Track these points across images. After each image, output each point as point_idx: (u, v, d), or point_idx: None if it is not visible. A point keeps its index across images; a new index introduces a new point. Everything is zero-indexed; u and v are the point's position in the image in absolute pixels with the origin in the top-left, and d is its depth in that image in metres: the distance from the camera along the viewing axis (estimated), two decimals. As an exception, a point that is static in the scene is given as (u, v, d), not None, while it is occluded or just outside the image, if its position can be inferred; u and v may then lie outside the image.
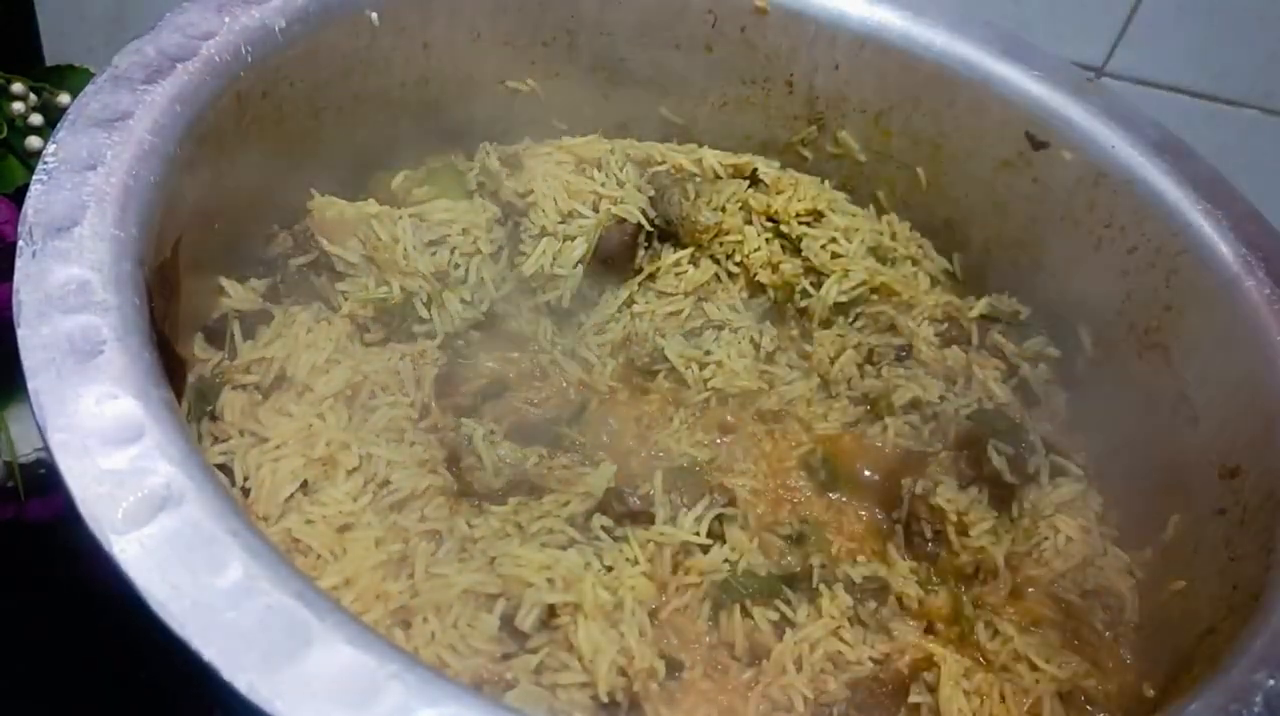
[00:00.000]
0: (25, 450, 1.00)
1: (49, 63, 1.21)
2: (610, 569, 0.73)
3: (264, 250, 0.87)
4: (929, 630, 0.78)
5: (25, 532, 0.99)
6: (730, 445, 0.84)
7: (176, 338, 0.73)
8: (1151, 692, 0.77)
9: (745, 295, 0.95)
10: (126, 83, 0.72)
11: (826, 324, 0.96)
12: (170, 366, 0.63)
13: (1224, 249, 0.88)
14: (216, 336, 0.83)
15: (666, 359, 0.89)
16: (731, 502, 0.80)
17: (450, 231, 0.91)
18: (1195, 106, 1.25)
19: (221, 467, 0.75)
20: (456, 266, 0.89)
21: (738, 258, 0.96)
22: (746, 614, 0.74)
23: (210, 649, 0.48)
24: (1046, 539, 0.85)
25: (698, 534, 0.77)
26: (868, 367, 0.94)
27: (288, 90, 0.86)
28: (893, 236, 1.06)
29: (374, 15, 0.90)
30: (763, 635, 0.74)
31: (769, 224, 0.99)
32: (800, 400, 0.90)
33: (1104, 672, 0.80)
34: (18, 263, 0.60)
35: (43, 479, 0.99)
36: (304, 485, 0.74)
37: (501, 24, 1.00)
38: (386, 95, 0.96)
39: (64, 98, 1.11)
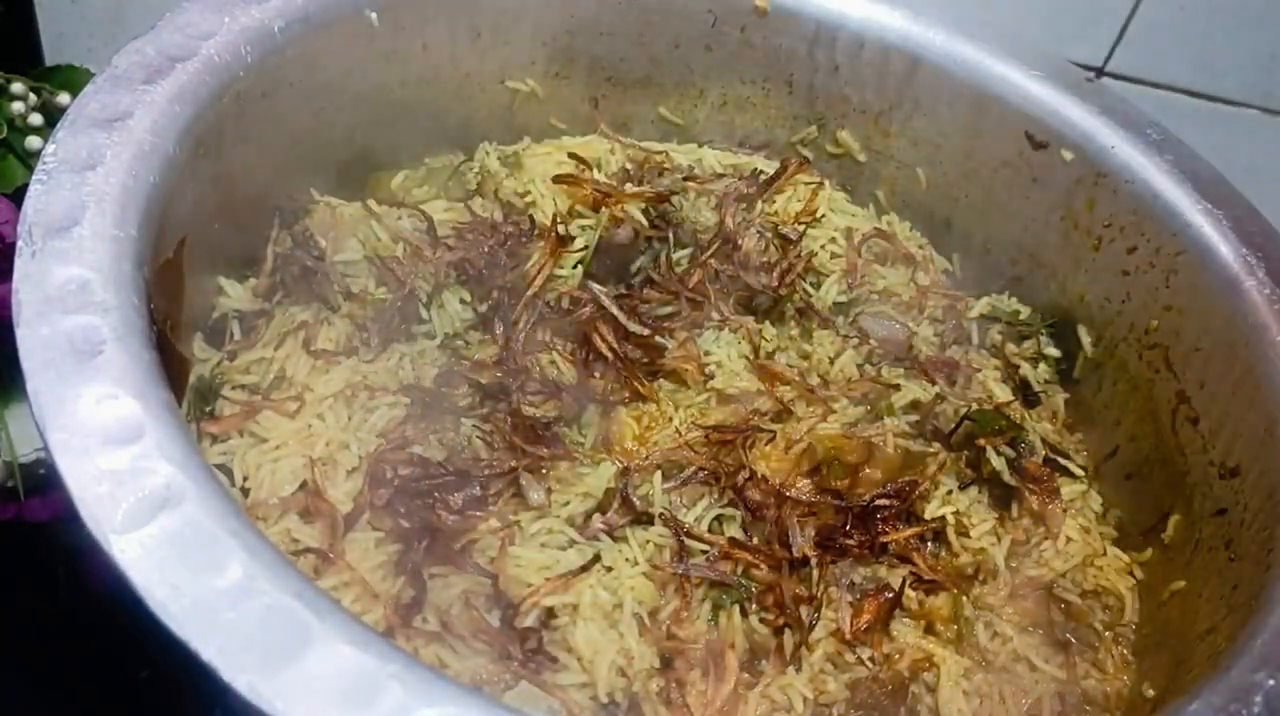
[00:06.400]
0: (25, 450, 1.00)
1: (49, 63, 1.21)
2: (610, 569, 0.73)
3: (264, 250, 0.87)
4: (929, 630, 0.78)
5: (25, 532, 0.99)
6: (730, 445, 0.84)
7: (177, 338, 0.73)
8: (1151, 692, 0.77)
9: (745, 295, 0.95)
10: (126, 83, 0.72)
11: (826, 324, 0.96)
12: (170, 366, 0.63)
13: (1224, 249, 0.88)
14: (216, 336, 0.83)
15: (666, 359, 0.89)
16: (732, 503, 0.80)
17: (450, 231, 0.91)
18: (1195, 106, 1.25)
19: (221, 468, 0.75)
20: (457, 266, 0.89)
21: (737, 258, 0.96)
22: (746, 614, 0.74)
23: (210, 649, 0.48)
24: (1046, 539, 0.85)
25: (698, 534, 0.77)
26: (868, 367, 0.94)
27: (288, 90, 0.86)
28: (893, 236, 1.06)
29: (374, 15, 0.90)
30: (762, 636, 0.74)
31: (769, 224, 0.99)
32: (800, 400, 0.90)
33: (1104, 672, 0.80)
34: (17, 263, 0.60)
35: (43, 479, 0.99)
36: (303, 485, 0.74)
37: (501, 24, 1.00)
38: (386, 95, 0.96)
39: (64, 98, 1.11)
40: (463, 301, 0.88)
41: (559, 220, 0.93)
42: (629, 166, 1.03)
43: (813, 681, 0.72)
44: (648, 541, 0.75)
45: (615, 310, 0.88)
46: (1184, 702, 0.62)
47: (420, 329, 0.87)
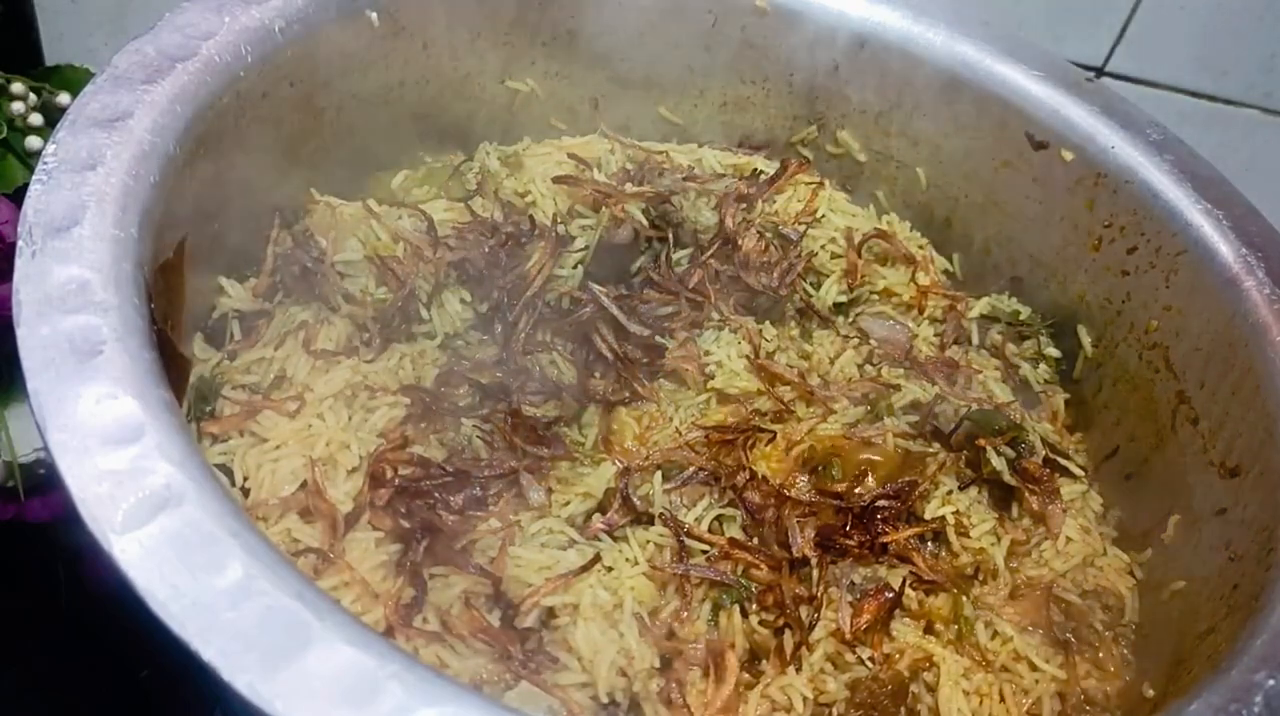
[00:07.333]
0: (25, 450, 1.00)
1: (49, 63, 1.21)
2: (610, 569, 0.73)
3: (264, 250, 0.87)
4: (929, 630, 0.78)
5: (25, 532, 0.99)
6: (730, 445, 0.84)
7: (177, 338, 0.73)
8: (1151, 692, 0.77)
9: (745, 295, 0.95)
10: (126, 83, 0.72)
11: (826, 324, 0.96)
12: (170, 366, 0.63)
13: (1224, 249, 0.88)
14: (216, 336, 0.83)
15: (666, 359, 0.89)
16: (732, 503, 0.80)
17: (450, 231, 0.91)
18: (1195, 106, 1.25)
19: (221, 468, 0.75)
20: (457, 266, 0.89)
21: (737, 258, 0.96)
22: (746, 614, 0.74)
23: (210, 649, 0.48)
24: (1046, 539, 0.85)
25: (698, 534, 0.77)
26: (868, 368, 0.94)
27: (288, 90, 0.86)
28: (893, 236, 1.06)
29: (374, 15, 0.91)
30: (762, 636, 0.74)
31: (769, 224, 0.99)
32: (800, 400, 0.90)
33: (1104, 672, 0.80)
34: (17, 263, 0.60)
35: (43, 479, 0.99)
36: (303, 485, 0.74)
37: (501, 24, 1.00)
38: (386, 95, 0.96)
39: (64, 98, 1.11)
40: (463, 301, 0.88)
41: (559, 220, 0.93)
42: (629, 166, 1.03)
43: (813, 681, 0.72)
44: (648, 541, 0.75)
45: (615, 310, 0.88)
46: (1184, 702, 0.62)
47: (420, 329, 0.87)
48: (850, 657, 0.74)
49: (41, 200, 0.64)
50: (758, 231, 0.98)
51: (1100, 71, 1.23)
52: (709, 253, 0.95)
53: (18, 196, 1.00)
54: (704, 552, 0.76)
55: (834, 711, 0.73)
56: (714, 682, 0.71)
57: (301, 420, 0.78)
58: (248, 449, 0.76)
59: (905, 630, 0.77)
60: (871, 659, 0.75)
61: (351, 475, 0.76)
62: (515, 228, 0.92)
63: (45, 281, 0.60)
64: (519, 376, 0.84)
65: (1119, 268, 0.96)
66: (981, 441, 0.87)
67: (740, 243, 0.96)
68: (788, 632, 0.73)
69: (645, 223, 0.95)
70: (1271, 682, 0.62)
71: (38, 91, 1.11)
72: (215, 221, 0.80)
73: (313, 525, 0.73)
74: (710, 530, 0.78)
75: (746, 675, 0.73)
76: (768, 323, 0.95)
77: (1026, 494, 0.86)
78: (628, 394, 0.87)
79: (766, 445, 0.85)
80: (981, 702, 0.75)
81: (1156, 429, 0.91)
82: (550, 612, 0.71)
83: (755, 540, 0.78)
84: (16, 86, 1.10)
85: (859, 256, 1.00)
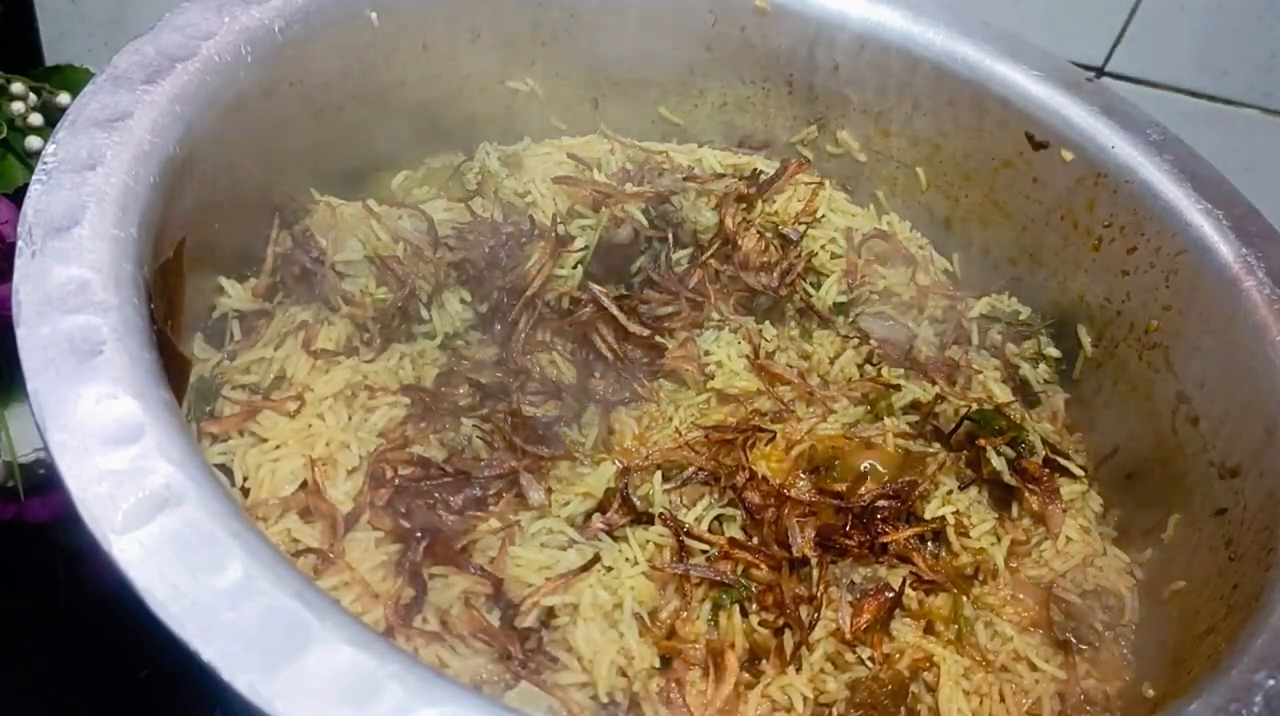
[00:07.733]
0: (25, 450, 1.00)
1: (49, 63, 1.21)
2: (610, 569, 0.73)
3: (264, 250, 0.87)
4: (929, 630, 0.78)
5: (25, 532, 0.99)
6: (730, 445, 0.84)
7: (177, 338, 0.73)
8: (1151, 692, 0.77)
9: (745, 295, 0.95)
10: (126, 83, 0.72)
11: (826, 324, 0.96)
12: (170, 366, 0.63)
13: (1224, 249, 0.88)
14: (216, 336, 0.83)
15: (666, 359, 0.89)
16: (732, 503, 0.80)
17: (450, 231, 0.91)
18: (1195, 106, 1.25)
19: (221, 468, 0.75)
20: (457, 266, 0.89)
21: (737, 258, 0.96)
22: (746, 614, 0.74)
23: (210, 649, 0.48)
24: (1046, 539, 0.85)
25: (698, 534, 0.77)
26: (868, 368, 0.94)
27: (288, 90, 0.86)
28: (893, 236, 1.06)
29: (374, 15, 0.91)
30: (762, 636, 0.74)
31: (769, 224, 0.99)
32: (800, 400, 0.90)
33: (1104, 672, 0.80)
34: (17, 263, 0.60)
35: (43, 479, 1.00)
36: (303, 485, 0.74)
37: (501, 24, 1.00)
38: (386, 95, 0.96)
39: (64, 98, 1.11)
40: (463, 301, 0.88)
41: (559, 220, 0.93)
42: (629, 166, 1.03)
43: (813, 681, 0.72)
44: (648, 541, 0.75)
45: (615, 310, 0.88)
46: (1184, 702, 0.62)
47: (420, 329, 0.87)
48: (850, 657, 0.74)
49: (41, 200, 0.64)
50: (758, 231, 0.98)
51: (1100, 71, 1.23)
52: (709, 253, 0.95)
53: (18, 196, 1.00)
54: (704, 552, 0.76)
55: (834, 711, 0.73)
56: (714, 682, 0.71)
57: (301, 420, 0.78)
58: (248, 449, 0.76)
59: (905, 630, 0.77)
60: (871, 659, 0.75)
61: (351, 475, 0.76)
62: (515, 228, 0.92)
63: (45, 281, 0.60)
64: (519, 376, 0.84)
65: (1119, 268, 0.96)
66: (981, 441, 0.87)
67: (740, 243, 0.96)
68: (788, 632, 0.73)
69: (645, 223, 0.95)
70: (1271, 682, 0.62)
71: (38, 91, 1.11)
72: (215, 221, 0.80)
73: (313, 525, 0.73)
74: (710, 530, 0.78)
75: (746, 675, 0.73)
76: (768, 323, 0.95)
77: (1026, 494, 0.86)
78: (628, 394, 0.87)
79: (766, 445, 0.85)
80: (981, 702, 0.75)
81: (1156, 429, 0.91)
82: (550, 612, 0.71)
83: (755, 540, 0.78)
84: (16, 86, 1.10)
85: (859, 256, 1.00)
